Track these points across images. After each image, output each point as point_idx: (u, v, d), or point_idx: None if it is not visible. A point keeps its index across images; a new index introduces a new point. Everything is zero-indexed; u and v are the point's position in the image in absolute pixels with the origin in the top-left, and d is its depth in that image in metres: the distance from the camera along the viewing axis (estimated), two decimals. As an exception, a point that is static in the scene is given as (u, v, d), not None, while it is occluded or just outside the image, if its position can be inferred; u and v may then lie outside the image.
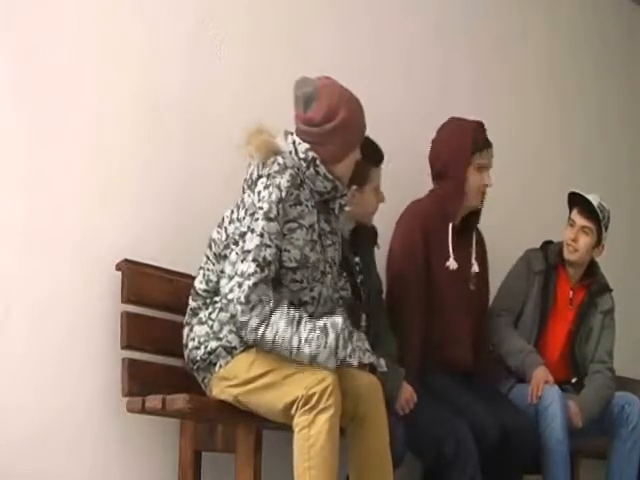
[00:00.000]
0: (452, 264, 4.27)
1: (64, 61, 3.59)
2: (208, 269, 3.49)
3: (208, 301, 3.46)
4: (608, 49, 6.16)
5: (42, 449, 3.43)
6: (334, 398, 3.19)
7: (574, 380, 4.63)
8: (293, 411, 3.22)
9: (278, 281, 3.38)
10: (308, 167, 3.44)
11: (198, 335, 3.45)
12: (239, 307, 3.27)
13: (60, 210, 3.56)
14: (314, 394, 3.18)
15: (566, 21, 5.85)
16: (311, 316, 3.41)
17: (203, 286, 3.49)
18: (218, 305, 3.42)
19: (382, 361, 3.48)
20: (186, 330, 3.50)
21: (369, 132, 3.96)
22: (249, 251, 3.31)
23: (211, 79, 4.01)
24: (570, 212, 4.66)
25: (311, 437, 3.18)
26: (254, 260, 3.30)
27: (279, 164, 3.39)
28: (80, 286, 3.57)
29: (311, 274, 3.43)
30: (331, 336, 3.29)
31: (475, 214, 4.43)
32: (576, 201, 4.63)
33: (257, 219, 3.33)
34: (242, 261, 3.31)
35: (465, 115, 4.44)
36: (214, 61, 4.03)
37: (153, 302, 3.66)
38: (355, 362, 3.33)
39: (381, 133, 4.16)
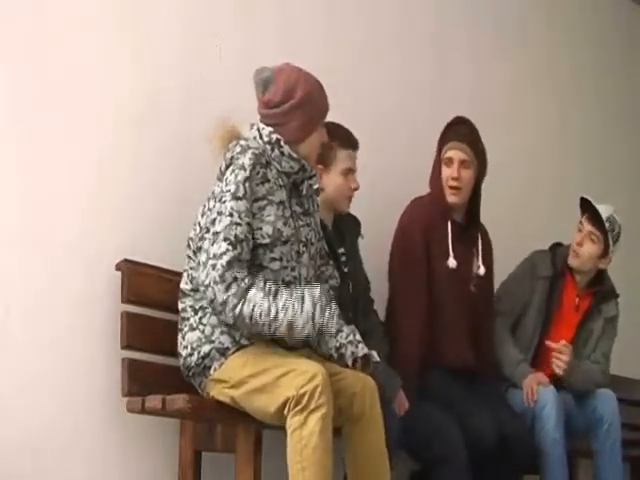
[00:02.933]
0: (451, 262, 4.25)
1: (60, 61, 3.59)
2: (190, 267, 3.49)
3: (197, 306, 3.46)
4: (608, 49, 6.16)
5: (41, 449, 3.43)
6: (325, 397, 3.18)
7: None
8: (285, 412, 3.21)
9: (259, 264, 3.39)
10: (273, 149, 3.47)
11: (190, 342, 3.45)
12: (216, 287, 3.27)
13: (60, 210, 3.56)
14: (305, 394, 3.16)
15: (565, 21, 5.85)
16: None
17: (188, 286, 3.49)
18: (208, 310, 3.42)
19: (374, 352, 3.46)
20: (179, 337, 3.50)
21: (367, 131, 3.98)
22: (218, 232, 3.32)
23: (208, 79, 4.02)
24: (581, 217, 4.64)
25: (303, 438, 3.17)
26: (225, 239, 3.31)
27: (241, 145, 3.43)
28: (80, 286, 3.57)
29: (289, 252, 3.44)
30: (307, 303, 3.28)
31: (475, 209, 4.38)
32: (587, 207, 4.61)
33: (225, 201, 3.35)
34: (213, 244, 3.32)
35: (464, 114, 4.42)
36: (212, 61, 4.04)
37: (153, 302, 3.66)
38: (333, 329, 3.32)
39: (379, 132, 4.18)
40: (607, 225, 4.55)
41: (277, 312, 3.27)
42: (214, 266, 3.29)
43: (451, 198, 4.28)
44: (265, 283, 3.31)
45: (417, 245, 4.23)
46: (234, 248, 3.31)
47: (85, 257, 3.60)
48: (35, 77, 3.53)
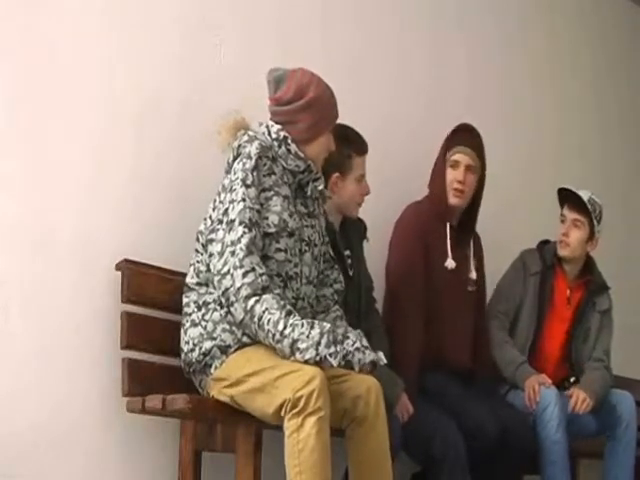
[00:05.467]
0: (450, 263, 4.30)
1: (59, 62, 3.59)
2: (197, 261, 3.50)
3: (201, 302, 3.46)
4: (608, 49, 6.16)
5: (41, 449, 3.43)
6: (322, 400, 3.16)
7: (572, 380, 4.63)
8: (282, 414, 3.20)
9: (264, 254, 3.39)
10: (280, 146, 3.49)
11: (192, 337, 3.45)
12: (235, 272, 3.28)
13: (60, 210, 3.56)
14: (301, 397, 3.15)
15: (565, 21, 5.85)
16: (297, 294, 3.45)
17: (194, 280, 3.50)
18: (211, 306, 3.43)
19: (381, 354, 3.44)
20: (181, 332, 3.51)
21: (365, 133, 3.98)
22: (233, 220, 3.35)
23: (208, 79, 4.02)
24: (562, 209, 4.68)
25: (300, 441, 3.16)
26: (240, 223, 3.33)
27: (249, 135, 3.47)
28: (80, 286, 3.57)
29: (294, 246, 3.45)
30: (316, 330, 3.27)
31: (472, 215, 4.43)
32: (566, 197, 4.66)
33: (235, 189, 3.38)
34: (229, 231, 3.34)
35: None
36: (212, 61, 4.04)
37: (153, 302, 3.66)
38: (335, 363, 3.27)
39: (376, 135, 4.16)
40: (589, 207, 4.58)
41: (285, 327, 3.26)
42: (233, 252, 3.30)
43: (454, 200, 4.32)
44: (280, 298, 3.32)
45: (415, 248, 4.27)
46: (250, 230, 3.33)
47: (85, 257, 3.60)
48: (34, 77, 3.53)
